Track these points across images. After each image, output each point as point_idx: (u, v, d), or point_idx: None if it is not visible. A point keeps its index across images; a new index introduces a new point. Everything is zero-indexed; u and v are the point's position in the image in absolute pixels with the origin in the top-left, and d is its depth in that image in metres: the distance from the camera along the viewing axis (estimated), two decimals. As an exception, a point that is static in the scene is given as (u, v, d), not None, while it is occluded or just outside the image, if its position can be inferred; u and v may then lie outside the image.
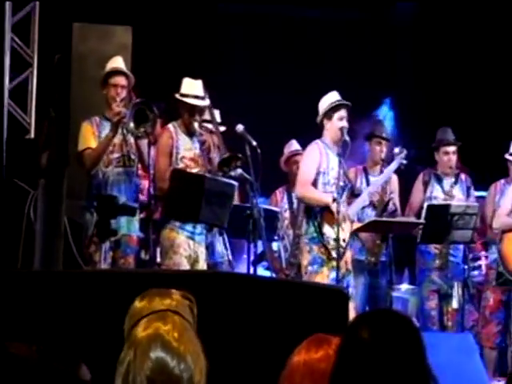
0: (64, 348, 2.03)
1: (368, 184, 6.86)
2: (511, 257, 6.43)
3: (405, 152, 6.57)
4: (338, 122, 6.31)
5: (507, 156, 7.03)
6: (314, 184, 6.28)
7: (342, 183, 6.30)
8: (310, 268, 6.09)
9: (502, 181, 7.08)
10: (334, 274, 6.09)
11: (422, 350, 1.84)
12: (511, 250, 6.45)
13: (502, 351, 6.85)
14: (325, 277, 6.10)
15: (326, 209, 6.19)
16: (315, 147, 6.35)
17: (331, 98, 6.38)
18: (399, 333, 1.83)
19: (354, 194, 6.71)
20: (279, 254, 6.86)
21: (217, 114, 6.76)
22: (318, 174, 6.29)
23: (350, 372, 1.80)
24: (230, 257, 6.37)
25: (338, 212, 6.08)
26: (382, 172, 6.84)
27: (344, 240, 6.20)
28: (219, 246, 6.39)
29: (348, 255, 6.29)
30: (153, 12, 8.16)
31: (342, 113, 6.32)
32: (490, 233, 6.94)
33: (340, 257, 6.11)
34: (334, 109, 6.31)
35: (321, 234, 6.21)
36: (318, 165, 6.27)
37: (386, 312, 2.01)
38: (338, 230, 6.07)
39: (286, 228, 6.95)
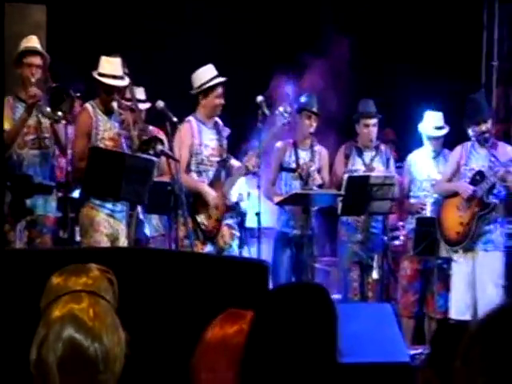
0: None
1: (297, 157, 6.89)
2: (448, 224, 6.52)
3: (288, 109, 6.50)
4: (215, 100, 6.35)
5: (425, 130, 7.17)
6: (188, 164, 6.35)
7: (217, 159, 6.37)
8: (185, 241, 6.14)
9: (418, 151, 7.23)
10: (208, 248, 6.26)
11: (333, 322, 1.85)
12: (449, 217, 6.53)
13: (420, 320, 7.00)
14: (198, 250, 6.20)
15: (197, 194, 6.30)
16: (187, 127, 6.38)
17: (207, 73, 6.41)
18: (311, 305, 1.85)
19: (283, 168, 6.76)
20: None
21: (141, 91, 6.73)
22: (191, 155, 6.34)
23: (262, 344, 1.81)
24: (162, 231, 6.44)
25: (215, 203, 6.21)
26: (311, 146, 6.88)
27: (217, 219, 6.28)
28: (154, 221, 6.43)
29: (225, 231, 6.34)
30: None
31: (220, 90, 6.35)
32: (406, 203, 7.07)
33: (208, 238, 6.25)
34: (211, 87, 6.35)
35: (194, 212, 6.29)
36: (189, 146, 6.33)
37: (298, 285, 2.02)
38: (209, 214, 6.25)
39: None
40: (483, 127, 6.49)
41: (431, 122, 7.12)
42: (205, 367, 2.11)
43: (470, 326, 1.27)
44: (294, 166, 6.82)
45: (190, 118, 6.44)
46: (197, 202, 6.34)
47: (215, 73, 6.43)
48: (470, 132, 6.56)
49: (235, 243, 6.36)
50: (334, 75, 7.48)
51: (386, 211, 6.73)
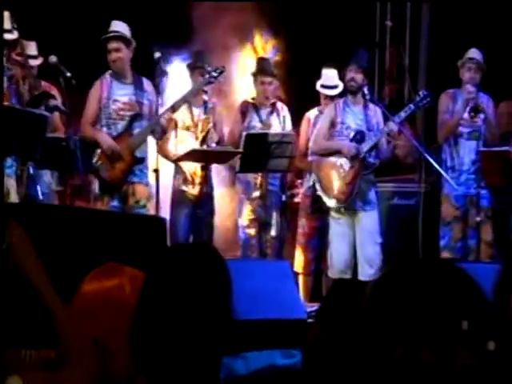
0: None
1: (260, 120, 6.90)
2: (326, 182, 6.51)
3: (218, 70, 6.45)
4: (108, 55, 6.27)
5: (318, 88, 7.20)
6: (98, 118, 6.27)
7: (129, 113, 6.27)
8: (95, 193, 6.11)
9: (315, 111, 7.25)
10: (115, 203, 6.16)
11: (226, 281, 1.85)
12: (326, 175, 6.52)
13: (317, 277, 7.07)
14: (105, 203, 6.13)
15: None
16: (97, 82, 6.33)
17: (110, 27, 6.32)
18: (204, 264, 1.84)
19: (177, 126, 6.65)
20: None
21: (33, 45, 6.50)
22: (100, 109, 6.27)
23: (155, 303, 1.80)
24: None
25: (109, 149, 6.12)
26: (205, 102, 6.78)
27: (122, 171, 6.17)
28: (47, 178, 6.26)
29: (139, 188, 6.22)
30: None
31: (111, 45, 6.25)
32: (304, 161, 7.04)
33: (113, 189, 6.14)
34: (105, 40, 6.25)
35: (95, 167, 6.20)
36: (98, 100, 6.25)
37: (191, 244, 2.03)
38: (112, 165, 6.14)
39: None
40: (359, 77, 6.47)
41: (323, 80, 7.16)
42: (85, 318, 2.05)
43: (369, 284, 1.32)
44: (189, 123, 6.72)
45: (106, 73, 6.34)
46: (98, 151, 6.20)
47: (113, 27, 6.26)
48: (347, 80, 6.50)
49: (151, 203, 6.20)
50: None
51: (284, 169, 6.74)
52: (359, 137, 6.44)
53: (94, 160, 6.17)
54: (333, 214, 6.48)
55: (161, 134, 6.36)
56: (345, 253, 6.42)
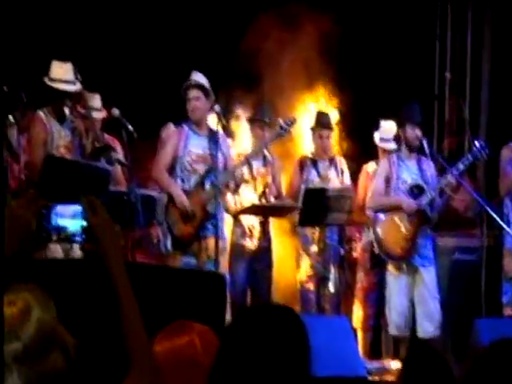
0: None
1: (318, 174, 6.92)
2: (390, 240, 6.45)
3: (289, 121, 6.47)
4: (187, 103, 6.26)
5: (377, 142, 7.18)
6: (173, 168, 6.23)
7: (201, 166, 6.23)
8: (167, 249, 6.13)
9: (374, 164, 7.22)
10: (188, 259, 6.11)
11: (304, 338, 1.86)
12: (391, 232, 6.47)
13: (376, 333, 6.98)
14: (176, 260, 6.08)
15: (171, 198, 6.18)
16: (172, 129, 6.38)
17: (190, 78, 6.34)
18: (281, 325, 1.85)
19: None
20: (158, 239, 6.75)
21: (97, 98, 6.61)
22: (173, 157, 6.23)
23: (233, 366, 1.80)
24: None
25: (183, 208, 6.09)
26: (264, 156, 6.80)
27: (194, 227, 6.14)
28: None
29: (210, 242, 6.11)
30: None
31: (191, 93, 6.24)
32: (363, 216, 7.01)
33: (185, 245, 6.11)
34: (185, 89, 6.26)
35: (167, 223, 6.19)
36: (173, 148, 6.22)
37: (265, 306, 2.03)
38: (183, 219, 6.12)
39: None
40: (417, 132, 6.45)
41: (381, 134, 7.15)
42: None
43: (476, 353, 1.31)
44: (248, 176, 6.74)
45: (183, 123, 6.33)
46: (170, 205, 6.19)
47: (193, 77, 6.32)
48: (403, 137, 6.48)
49: (224, 257, 6.18)
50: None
51: (342, 223, 6.72)
52: (417, 190, 6.41)
53: (164, 215, 6.15)
54: (391, 270, 6.42)
55: (234, 188, 6.36)
56: (404, 309, 6.34)
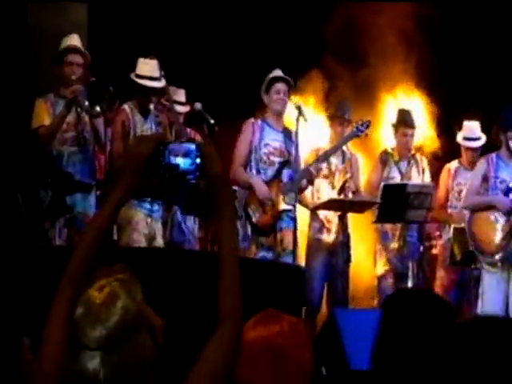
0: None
1: (400, 172, 6.92)
2: (484, 237, 6.39)
3: (366, 124, 6.52)
4: (274, 96, 6.30)
5: (460, 140, 7.13)
6: (249, 161, 6.29)
7: (279, 159, 6.30)
8: (242, 245, 6.09)
9: (456, 163, 7.17)
10: (264, 253, 6.13)
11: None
12: (485, 230, 6.38)
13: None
14: (252, 254, 6.11)
15: (251, 189, 6.21)
16: (248, 124, 6.39)
17: (272, 73, 6.40)
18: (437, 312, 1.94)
19: None
20: (237, 231, 6.81)
21: (182, 93, 6.75)
22: (249, 151, 6.29)
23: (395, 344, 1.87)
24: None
25: (265, 197, 6.13)
26: (343, 152, 6.81)
27: (273, 216, 6.17)
28: (190, 224, 6.42)
29: (286, 234, 6.18)
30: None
31: (279, 86, 6.30)
32: (443, 213, 7.00)
33: (263, 234, 6.14)
34: (270, 83, 6.30)
35: (246, 213, 6.21)
36: (248, 143, 6.29)
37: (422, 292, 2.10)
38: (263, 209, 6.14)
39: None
40: None
41: (464, 132, 7.08)
42: (245, 365, 2.10)
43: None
44: (327, 172, 6.76)
45: (257, 119, 6.41)
46: (250, 196, 6.25)
47: (277, 72, 6.39)
48: (505, 141, 6.42)
49: (297, 250, 6.19)
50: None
51: (422, 220, 6.68)
52: None
53: (244, 205, 6.21)
54: (486, 266, 6.37)
55: (306, 185, 6.40)
56: (499, 307, 6.28)
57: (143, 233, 5.91)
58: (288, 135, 6.37)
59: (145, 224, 5.93)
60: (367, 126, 6.54)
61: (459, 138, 7.13)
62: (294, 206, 6.19)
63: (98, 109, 5.84)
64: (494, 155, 6.51)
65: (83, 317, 1.78)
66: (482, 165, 6.54)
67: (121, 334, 1.77)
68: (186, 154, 1.95)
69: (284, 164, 6.33)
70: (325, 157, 6.48)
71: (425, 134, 7.54)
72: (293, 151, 6.30)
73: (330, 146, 6.64)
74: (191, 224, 6.55)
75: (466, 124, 7.13)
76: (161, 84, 6.18)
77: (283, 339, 2.13)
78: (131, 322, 1.79)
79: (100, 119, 5.94)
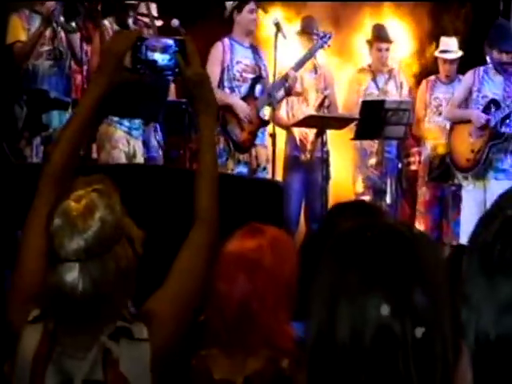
0: None
1: (377, 87, 6.89)
2: (458, 150, 6.43)
3: (328, 35, 6.51)
4: (248, 15, 6.24)
5: (437, 54, 7.11)
6: (221, 81, 6.25)
7: (251, 75, 6.28)
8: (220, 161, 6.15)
9: (433, 77, 7.16)
10: (240, 169, 6.16)
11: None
12: (460, 143, 6.41)
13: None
14: (229, 170, 6.13)
15: (229, 107, 6.18)
16: (218, 44, 6.32)
17: None
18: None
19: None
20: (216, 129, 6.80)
21: (153, 7, 6.62)
22: (222, 71, 6.25)
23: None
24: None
25: (245, 113, 6.12)
26: (315, 67, 6.77)
27: (251, 132, 6.18)
28: (154, 141, 6.37)
29: (260, 151, 6.23)
30: None
31: (252, 5, 6.25)
32: (421, 128, 7.02)
33: (244, 151, 6.16)
34: (242, 1, 6.24)
35: (225, 130, 6.20)
36: (221, 62, 6.24)
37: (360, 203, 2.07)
38: (241, 126, 6.16)
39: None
40: (504, 57, 6.33)
41: (441, 46, 7.08)
42: (222, 278, 2.12)
43: None
44: (300, 89, 6.72)
45: (224, 37, 6.36)
46: (227, 114, 6.22)
47: None
48: (489, 58, 6.41)
49: (273, 166, 6.21)
50: None
51: (401, 136, 6.69)
52: (493, 106, 6.31)
53: (221, 124, 6.17)
54: (463, 182, 6.41)
55: (284, 95, 6.37)
56: (474, 222, 6.30)
57: (123, 150, 5.89)
58: (256, 51, 6.37)
59: (125, 142, 5.91)
60: (329, 37, 6.50)
61: (436, 52, 7.11)
62: (268, 121, 6.21)
63: (73, 24, 5.76)
64: (481, 68, 6.46)
65: (60, 228, 1.75)
66: (467, 77, 6.51)
67: (99, 244, 1.75)
68: (164, 50, 1.91)
69: (256, 80, 6.32)
70: (296, 68, 6.42)
71: (404, 50, 7.51)
72: (262, 66, 6.32)
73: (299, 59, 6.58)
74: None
75: (443, 39, 7.11)
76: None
77: (260, 253, 2.15)
78: (109, 232, 1.76)
79: (76, 35, 5.86)
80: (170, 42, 1.91)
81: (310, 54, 6.55)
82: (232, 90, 6.31)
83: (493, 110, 6.28)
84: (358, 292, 1.16)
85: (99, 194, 1.80)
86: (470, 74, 6.49)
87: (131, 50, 1.92)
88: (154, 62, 1.92)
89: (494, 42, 6.30)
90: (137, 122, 5.95)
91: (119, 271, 1.77)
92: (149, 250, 1.86)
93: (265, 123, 6.29)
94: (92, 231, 1.75)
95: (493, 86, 6.35)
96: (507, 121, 6.29)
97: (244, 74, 6.32)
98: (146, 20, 6.23)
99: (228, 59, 6.29)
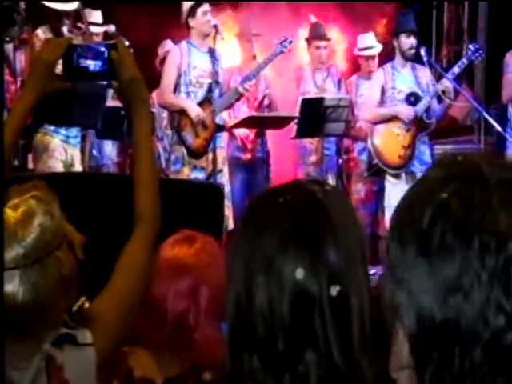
0: None
1: (316, 85, 6.97)
2: (389, 149, 6.48)
3: (289, 40, 6.53)
4: (202, 17, 6.21)
5: (356, 52, 7.22)
6: (177, 86, 6.23)
7: (208, 80, 6.25)
8: (172, 167, 6.12)
9: (354, 77, 7.26)
10: (197, 174, 6.14)
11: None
12: (389, 142, 6.47)
13: (373, 242, 7.07)
14: (184, 176, 6.11)
15: (184, 113, 6.18)
16: (175, 48, 6.32)
17: None
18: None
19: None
20: (158, 154, 6.82)
21: (98, 14, 6.61)
22: (178, 75, 6.22)
23: None
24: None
25: (198, 117, 6.11)
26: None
27: (205, 139, 6.17)
28: (108, 149, 6.36)
29: (218, 154, 6.17)
30: None
31: (206, 7, 6.22)
32: (353, 129, 7.08)
33: (198, 157, 6.16)
34: (195, 6, 6.20)
35: (179, 137, 6.20)
36: (177, 67, 6.22)
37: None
38: (196, 132, 6.13)
39: (164, 128, 6.94)
40: (412, 39, 6.41)
41: (359, 44, 7.23)
42: (159, 283, 2.13)
43: None
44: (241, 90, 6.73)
45: (182, 41, 6.32)
46: (182, 120, 6.21)
47: None
48: (397, 48, 6.43)
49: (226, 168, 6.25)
50: None
51: (340, 133, 6.75)
52: (413, 99, 6.40)
53: (175, 129, 6.16)
54: (390, 178, 6.47)
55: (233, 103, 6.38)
56: None
57: (60, 159, 5.84)
58: (213, 55, 6.28)
59: (62, 150, 5.86)
60: (290, 42, 6.53)
61: (355, 51, 7.23)
62: (224, 127, 6.25)
63: (8, 34, 5.68)
64: (388, 65, 6.55)
65: None
66: (378, 76, 6.58)
67: (39, 250, 1.73)
68: (95, 56, 1.91)
69: (213, 85, 6.25)
70: (252, 75, 6.45)
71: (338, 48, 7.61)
72: (219, 71, 6.29)
73: (257, 64, 6.59)
74: (109, 149, 6.50)
75: (360, 37, 7.27)
76: (73, 6, 6.03)
77: (192, 259, 2.16)
78: (49, 238, 1.74)
79: (10, 45, 5.79)
80: (102, 48, 1.91)
81: (269, 60, 6.58)
82: (188, 94, 6.27)
83: (414, 102, 6.37)
84: (272, 255, 1.18)
85: (37, 201, 1.77)
86: (379, 73, 6.57)
87: (63, 57, 1.91)
88: (86, 68, 1.92)
89: (402, 27, 6.40)
90: (74, 130, 5.91)
91: (61, 276, 1.76)
92: (90, 255, 1.86)
93: (220, 128, 6.25)
94: (31, 238, 1.73)
95: (404, 79, 6.44)
96: (429, 110, 6.38)
97: (200, 80, 6.26)
98: (83, 27, 6.20)
99: (185, 64, 6.23)
